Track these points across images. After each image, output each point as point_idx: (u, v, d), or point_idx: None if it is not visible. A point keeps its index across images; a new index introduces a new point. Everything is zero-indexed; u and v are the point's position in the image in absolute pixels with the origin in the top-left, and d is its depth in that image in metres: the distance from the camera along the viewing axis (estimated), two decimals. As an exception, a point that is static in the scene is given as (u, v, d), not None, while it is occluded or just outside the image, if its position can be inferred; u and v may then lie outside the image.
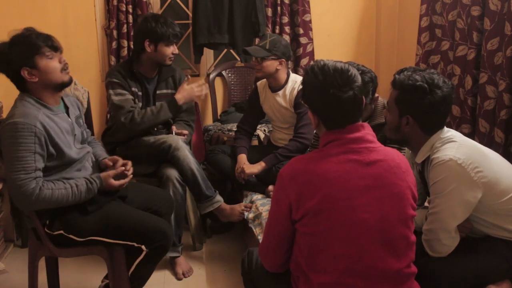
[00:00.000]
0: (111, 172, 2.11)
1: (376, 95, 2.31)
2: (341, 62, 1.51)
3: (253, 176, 2.76)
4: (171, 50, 2.69)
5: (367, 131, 1.51)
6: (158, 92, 2.79)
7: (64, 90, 2.07)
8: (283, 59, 2.76)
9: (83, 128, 2.19)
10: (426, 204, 2.01)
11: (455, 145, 1.72)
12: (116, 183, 2.10)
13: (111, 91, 2.65)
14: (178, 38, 2.74)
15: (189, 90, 2.77)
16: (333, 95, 1.45)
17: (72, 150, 2.04)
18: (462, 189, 1.66)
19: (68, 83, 2.03)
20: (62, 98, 2.10)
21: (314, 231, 1.45)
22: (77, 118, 2.16)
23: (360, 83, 1.49)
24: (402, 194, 1.47)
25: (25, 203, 1.91)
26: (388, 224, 1.45)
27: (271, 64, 2.75)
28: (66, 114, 2.08)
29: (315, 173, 1.45)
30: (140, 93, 2.74)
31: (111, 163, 2.21)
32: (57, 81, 1.98)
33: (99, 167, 2.24)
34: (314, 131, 2.63)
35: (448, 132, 1.79)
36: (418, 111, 1.74)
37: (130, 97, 2.67)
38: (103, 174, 2.08)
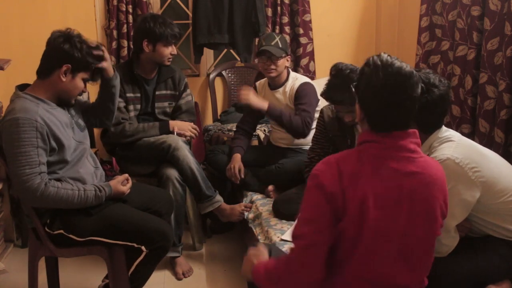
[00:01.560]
0: (119, 179, 2.14)
1: None
2: (402, 63, 1.45)
3: (250, 175, 2.77)
4: (170, 50, 2.69)
5: (411, 140, 1.43)
6: (157, 93, 2.79)
7: None
8: (289, 56, 2.81)
9: (79, 115, 2.19)
10: None
11: (453, 145, 1.72)
12: (124, 188, 2.12)
13: None
14: (177, 39, 2.74)
15: (185, 125, 2.77)
16: (388, 99, 1.39)
17: (72, 144, 2.04)
18: (460, 188, 1.67)
19: (70, 105, 2.11)
20: None
21: (348, 236, 1.37)
22: (74, 112, 2.17)
23: (417, 94, 1.43)
24: (432, 212, 1.42)
25: (30, 198, 1.91)
26: (412, 239, 1.40)
27: (283, 62, 2.81)
28: (62, 109, 2.08)
29: (356, 170, 1.37)
30: (138, 95, 2.74)
31: None
32: (68, 99, 2.05)
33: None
34: (312, 137, 2.62)
35: (447, 132, 1.80)
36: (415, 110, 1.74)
37: (122, 104, 2.69)
38: (112, 182, 2.09)
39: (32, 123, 1.88)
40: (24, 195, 1.92)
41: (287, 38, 3.70)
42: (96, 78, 2.18)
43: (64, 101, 2.05)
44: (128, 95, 2.71)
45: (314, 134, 2.60)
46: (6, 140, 1.90)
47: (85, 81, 2.06)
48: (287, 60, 2.82)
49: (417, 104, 1.43)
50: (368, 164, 1.38)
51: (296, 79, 2.83)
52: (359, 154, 1.42)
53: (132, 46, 3.51)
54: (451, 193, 1.65)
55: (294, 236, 1.43)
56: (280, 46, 2.75)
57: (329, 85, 2.26)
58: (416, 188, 1.39)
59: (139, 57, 2.72)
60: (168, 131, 2.71)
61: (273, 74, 2.80)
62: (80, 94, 2.10)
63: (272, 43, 2.76)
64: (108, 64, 2.19)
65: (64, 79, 1.98)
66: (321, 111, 2.54)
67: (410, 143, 1.42)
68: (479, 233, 1.79)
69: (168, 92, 2.82)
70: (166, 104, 2.83)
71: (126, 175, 2.18)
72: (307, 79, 2.89)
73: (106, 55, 2.18)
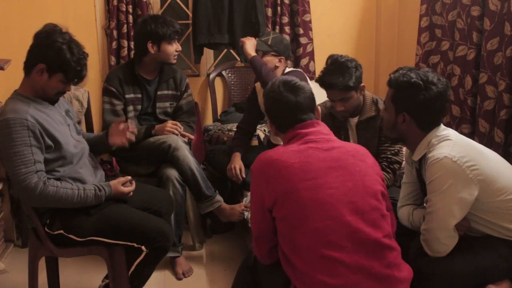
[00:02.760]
0: (121, 179, 2.12)
1: (362, 84, 2.36)
2: (291, 77, 1.77)
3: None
4: (175, 47, 2.71)
5: (321, 128, 1.69)
6: (159, 93, 2.79)
7: None
8: (283, 57, 2.77)
9: (74, 121, 2.19)
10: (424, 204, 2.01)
11: (450, 143, 1.73)
12: (125, 189, 2.11)
13: (104, 97, 2.71)
14: (179, 35, 2.76)
15: (162, 126, 2.73)
16: (274, 98, 1.70)
17: (70, 141, 2.04)
18: (458, 187, 1.67)
19: (52, 102, 2.05)
20: None
21: (287, 214, 1.55)
22: (67, 112, 2.16)
23: (309, 93, 1.71)
24: (364, 171, 1.60)
25: (29, 197, 1.90)
26: (356, 196, 1.55)
27: (271, 60, 2.77)
28: (54, 107, 2.07)
29: (279, 160, 1.59)
30: (139, 95, 2.74)
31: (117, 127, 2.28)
32: (46, 95, 2.00)
33: (104, 137, 2.31)
34: None
35: (445, 130, 1.80)
36: (414, 107, 1.77)
37: (120, 107, 2.71)
38: (112, 182, 2.08)
39: (22, 123, 1.86)
40: (23, 194, 1.91)
41: (287, 38, 3.70)
42: (76, 82, 2.03)
43: (45, 99, 2.01)
44: (127, 96, 2.72)
45: None
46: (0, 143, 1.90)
47: (65, 82, 1.98)
48: (279, 61, 2.77)
49: (310, 101, 1.71)
50: (294, 149, 1.61)
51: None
52: (283, 146, 1.68)
53: (132, 46, 3.52)
54: (449, 191, 1.67)
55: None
56: (269, 43, 2.75)
57: (323, 71, 2.34)
58: (341, 156, 1.61)
59: (141, 59, 2.72)
60: (150, 131, 2.71)
61: None
62: (60, 95, 2.04)
63: (263, 39, 2.79)
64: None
65: (39, 78, 1.94)
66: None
67: (323, 129, 1.69)
68: (478, 232, 1.79)
69: (170, 92, 2.83)
70: (167, 104, 2.83)
71: (129, 177, 2.16)
72: (298, 69, 2.92)
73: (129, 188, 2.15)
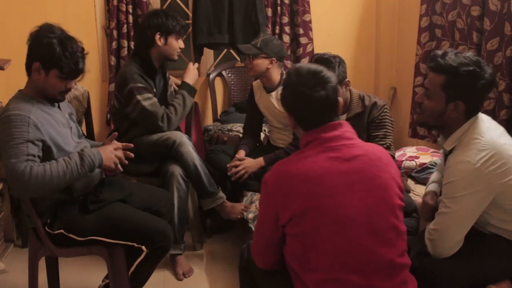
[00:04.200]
0: (107, 143, 2.07)
1: (347, 80, 2.42)
2: (315, 64, 1.59)
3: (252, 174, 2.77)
4: (179, 44, 2.73)
5: (345, 129, 1.54)
6: (168, 88, 2.87)
7: None
8: (274, 58, 2.76)
9: (76, 124, 2.18)
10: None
11: (479, 146, 1.65)
12: (112, 146, 2.04)
13: (139, 97, 2.61)
14: (186, 32, 2.79)
15: (193, 71, 2.86)
16: (304, 94, 1.51)
17: (71, 143, 2.04)
18: (476, 197, 1.63)
19: (58, 101, 2.04)
20: None
21: (302, 232, 1.47)
22: (70, 114, 2.16)
23: (334, 84, 1.55)
24: (386, 185, 1.50)
25: (20, 187, 1.83)
26: (375, 215, 1.46)
27: (262, 63, 2.75)
28: (59, 109, 2.08)
29: (297, 174, 1.48)
30: (155, 90, 2.76)
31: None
32: (49, 95, 1.99)
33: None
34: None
35: (482, 123, 1.72)
36: (470, 96, 1.68)
37: (155, 99, 2.68)
38: (100, 147, 2.03)
39: (24, 119, 1.86)
40: (14, 185, 1.87)
41: (287, 38, 3.71)
42: (72, 77, 1.98)
43: (50, 100, 2.01)
44: (154, 90, 2.73)
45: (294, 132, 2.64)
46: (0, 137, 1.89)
47: (63, 78, 1.94)
48: (270, 62, 2.75)
49: (337, 95, 1.55)
50: (313, 161, 1.49)
51: None
52: (300, 155, 1.54)
53: (132, 47, 3.52)
54: (465, 200, 1.63)
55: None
56: (258, 46, 2.74)
57: None
58: (363, 167, 1.49)
59: (147, 52, 2.71)
60: (193, 88, 2.81)
61: (250, 73, 2.82)
62: (63, 93, 2.00)
63: (252, 42, 2.78)
64: None
65: (38, 77, 1.94)
66: None
67: (346, 132, 1.54)
68: (481, 225, 1.77)
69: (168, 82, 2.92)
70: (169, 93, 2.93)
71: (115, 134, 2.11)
72: None
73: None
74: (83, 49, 2.00)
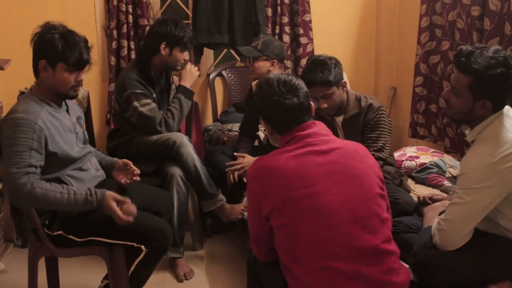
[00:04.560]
0: (118, 196, 1.96)
1: (344, 81, 2.42)
2: (284, 74, 1.70)
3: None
4: (184, 56, 2.70)
5: (320, 127, 1.64)
6: (170, 93, 2.85)
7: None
8: (275, 60, 2.75)
9: (83, 129, 2.19)
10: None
11: (499, 141, 1.64)
12: (116, 209, 1.92)
13: (136, 103, 2.60)
14: (192, 45, 2.77)
15: (191, 74, 2.81)
16: (278, 102, 1.61)
17: (74, 149, 2.04)
18: (491, 191, 1.62)
19: (71, 98, 2.05)
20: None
21: (284, 223, 1.52)
22: (78, 118, 2.16)
23: (305, 90, 1.66)
24: (364, 174, 1.56)
25: (16, 197, 1.87)
26: (354, 203, 1.51)
27: (263, 65, 2.75)
28: (67, 113, 2.09)
29: (274, 168, 1.55)
30: (155, 95, 2.74)
31: (121, 165, 2.22)
32: (61, 92, 1.99)
33: (112, 166, 2.26)
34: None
35: (507, 118, 1.70)
36: (498, 95, 1.68)
37: (154, 104, 2.67)
38: (108, 192, 1.96)
39: (31, 125, 1.87)
40: (10, 193, 1.90)
41: (287, 38, 3.71)
42: (80, 68, 1.97)
43: (62, 97, 2.02)
44: (154, 95, 2.72)
45: None
46: (3, 138, 1.90)
47: (71, 71, 1.95)
48: (272, 64, 2.75)
49: (308, 100, 1.66)
50: (291, 155, 1.56)
51: None
52: (278, 151, 1.62)
53: (132, 47, 3.52)
54: (477, 192, 1.62)
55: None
56: (259, 48, 2.73)
57: (303, 71, 2.41)
58: (340, 159, 1.56)
59: (150, 59, 2.69)
60: (190, 92, 2.77)
61: (252, 76, 2.81)
62: (75, 87, 2.00)
63: (253, 44, 2.77)
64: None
65: (46, 75, 1.94)
66: None
67: (320, 130, 1.63)
68: (487, 225, 1.75)
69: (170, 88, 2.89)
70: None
71: (128, 200, 1.98)
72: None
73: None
74: (86, 40, 2.01)
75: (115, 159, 2.30)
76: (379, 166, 1.67)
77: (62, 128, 1.99)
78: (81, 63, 1.96)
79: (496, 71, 1.61)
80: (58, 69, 1.94)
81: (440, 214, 1.83)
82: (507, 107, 1.73)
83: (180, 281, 2.61)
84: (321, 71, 2.32)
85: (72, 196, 1.91)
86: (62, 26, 1.97)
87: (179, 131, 2.83)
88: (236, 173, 2.72)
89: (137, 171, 2.20)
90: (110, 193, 1.95)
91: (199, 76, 3.78)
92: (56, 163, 1.97)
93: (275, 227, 1.57)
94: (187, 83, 2.77)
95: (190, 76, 2.80)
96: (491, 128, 1.69)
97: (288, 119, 1.63)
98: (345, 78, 3.80)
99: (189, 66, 2.81)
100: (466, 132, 1.85)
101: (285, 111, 1.62)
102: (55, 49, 1.91)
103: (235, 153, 2.83)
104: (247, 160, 2.76)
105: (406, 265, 1.68)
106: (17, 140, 1.85)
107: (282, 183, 1.53)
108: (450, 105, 1.78)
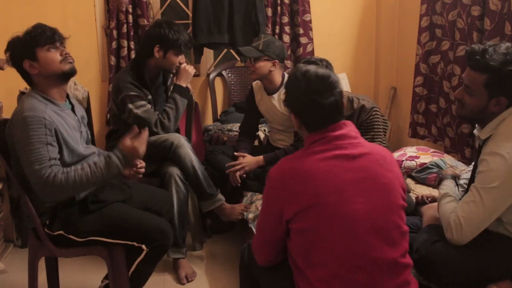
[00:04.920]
0: (127, 137, 2.01)
1: None
2: (322, 68, 1.58)
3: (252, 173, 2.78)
4: (179, 59, 2.69)
5: (350, 128, 1.56)
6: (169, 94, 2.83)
7: (68, 84, 2.07)
8: (277, 60, 2.75)
9: (87, 129, 2.19)
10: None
11: None
12: (135, 143, 2.00)
13: (130, 106, 2.60)
14: (188, 49, 2.74)
15: (186, 72, 2.77)
16: (316, 101, 1.52)
17: (79, 147, 2.04)
18: (510, 190, 1.61)
19: (70, 72, 2.02)
20: (67, 97, 2.11)
21: (307, 227, 1.47)
22: (82, 118, 2.17)
23: (340, 87, 1.56)
24: (391, 184, 1.51)
25: (45, 193, 1.90)
26: (379, 213, 1.47)
27: (264, 65, 2.74)
28: (72, 111, 2.09)
29: (302, 171, 1.48)
30: (150, 97, 2.73)
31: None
32: (57, 71, 1.98)
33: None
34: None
35: None
36: None
37: (149, 106, 2.66)
38: (120, 143, 2.00)
39: (40, 121, 1.87)
40: (38, 191, 1.91)
41: (287, 38, 3.71)
42: (54, 41, 1.99)
43: (61, 78, 2.01)
44: (149, 97, 2.71)
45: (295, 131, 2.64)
46: (17, 140, 1.90)
47: (49, 49, 1.96)
48: (273, 65, 2.74)
49: (342, 98, 1.56)
50: (319, 158, 1.49)
51: None
52: (305, 152, 1.54)
53: (132, 47, 3.53)
54: (496, 191, 1.62)
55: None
56: (260, 48, 2.71)
57: None
58: (369, 165, 1.50)
59: (145, 61, 2.69)
60: (186, 90, 2.74)
61: (253, 76, 2.80)
62: (65, 61, 1.99)
63: (254, 45, 2.76)
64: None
65: (35, 71, 1.96)
66: None
67: (350, 131, 1.55)
68: (495, 224, 1.74)
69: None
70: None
71: (135, 129, 2.05)
72: None
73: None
74: (43, 24, 2.02)
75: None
76: (403, 175, 1.62)
77: (67, 126, 1.99)
78: (52, 38, 1.97)
79: (509, 66, 1.62)
80: (39, 56, 1.95)
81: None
82: None
83: (182, 283, 2.59)
84: None
85: (93, 166, 1.94)
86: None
87: (178, 131, 2.83)
88: (237, 174, 2.72)
89: (143, 163, 2.17)
90: (121, 143, 2.00)
91: (197, 75, 3.81)
92: (62, 159, 1.97)
93: (295, 230, 1.51)
94: (182, 81, 2.75)
95: (185, 74, 2.76)
96: (507, 122, 1.69)
97: (321, 118, 1.54)
98: (345, 78, 3.85)
99: (184, 64, 2.78)
100: (476, 131, 1.85)
101: (321, 110, 1.53)
102: (22, 43, 1.95)
103: (235, 153, 2.83)
104: (247, 160, 2.76)
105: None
106: (31, 138, 1.86)
107: (310, 186, 1.47)
108: (464, 104, 1.78)
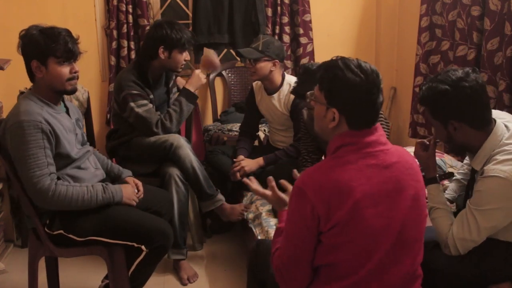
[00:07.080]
0: (128, 184, 2.19)
1: None
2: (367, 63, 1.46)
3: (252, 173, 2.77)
4: (184, 57, 2.68)
5: (380, 133, 1.47)
6: (171, 95, 2.83)
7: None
8: (277, 60, 2.75)
9: (82, 131, 2.20)
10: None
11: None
12: (131, 186, 2.17)
13: (132, 104, 2.59)
14: (192, 45, 2.74)
15: (198, 79, 2.77)
16: (367, 97, 1.40)
17: (74, 149, 2.04)
18: (507, 212, 1.62)
19: (70, 93, 2.04)
20: (63, 100, 2.11)
21: (340, 242, 1.40)
22: (77, 120, 2.16)
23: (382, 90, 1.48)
24: (418, 195, 1.47)
25: (43, 200, 1.91)
26: (408, 226, 1.44)
27: (265, 66, 2.74)
28: (67, 114, 2.09)
29: (340, 182, 1.39)
30: (152, 97, 2.73)
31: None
32: (59, 88, 1.99)
33: (119, 177, 2.33)
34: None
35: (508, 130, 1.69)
36: (457, 112, 1.68)
37: (151, 105, 2.66)
38: (122, 185, 2.13)
39: (36, 125, 1.87)
40: (36, 197, 1.92)
41: (287, 38, 3.71)
42: (69, 57, 1.98)
43: (61, 93, 2.02)
44: (151, 97, 2.70)
45: (300, 135, 2.62)
46: (12, 145, 1.90)
47: (61, 63, 1.96)
48: (274, 65, 2.74)
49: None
50: (354, 168, 1.40)
51: (291, 85, 2.81)
52: (338, 161, 1.43)
53: (132, 47, 3.52)
54: (495, 214, 1.62)
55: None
56: (260, 49, 2.71)
57: (297, 82, 2.38)
58: (399, 176, 1.44)
59: (149, 63, 2.68)
60: (193, 95, 2.73)
61: (254, 77, 2.80)
62: (71, 80, 2.00)
63: (253, 46, 2.75)
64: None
65: (41, 74, 1.95)
66: (301, 112, 2.58)
67: (381, 137, 1.46)
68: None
69: (170, 92, 2.87)
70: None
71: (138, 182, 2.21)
72: None
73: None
74: (68, 31, 2.01)
75: (125, 174, 2.35)
76: (422, 178, 1.55)
77: (63, 128, 1.99)
78: (69, 53, 1.96)
79: (437, 89, 1.68)
80: (50, 64, 1.94)
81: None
82: (499, 122, 1.71)
83: (183, 284, 2.59)
84: (314, 84, 2.27)
85: (90, 188, 1.98)
86: (39, 25, 1.99)
87: (178, 131, 2.83)
88: (237, 174, 2.73)
89: (141, 191, 2.26)
90: (121, 185, 2.14)
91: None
92: (57, 162, 1.98)
93: (326, 243, 1.41)
94: (191, 87, 2.74)
95: (197, 81, 2.75)
96: (500, 147, 1.66)
97: (365, 117, 1.43)
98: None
99: (198, 71, 2.78)
100: (469, 161, 1.85)
101: (369, 109, 1.42)
102: (39, 45, 1.92)
103: (234, 159, 2.83)
104: (245, 162, 2.77)
105: None
106: (28, 143, 1.86)
107: (349, 199, 1.37)
108: (444, 141, 1.84)
